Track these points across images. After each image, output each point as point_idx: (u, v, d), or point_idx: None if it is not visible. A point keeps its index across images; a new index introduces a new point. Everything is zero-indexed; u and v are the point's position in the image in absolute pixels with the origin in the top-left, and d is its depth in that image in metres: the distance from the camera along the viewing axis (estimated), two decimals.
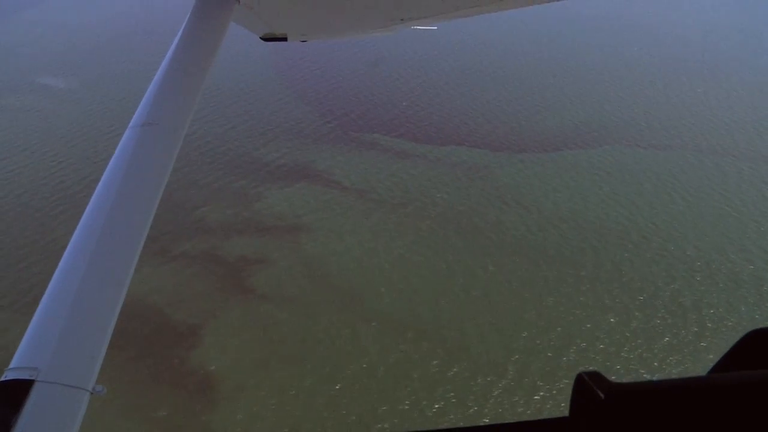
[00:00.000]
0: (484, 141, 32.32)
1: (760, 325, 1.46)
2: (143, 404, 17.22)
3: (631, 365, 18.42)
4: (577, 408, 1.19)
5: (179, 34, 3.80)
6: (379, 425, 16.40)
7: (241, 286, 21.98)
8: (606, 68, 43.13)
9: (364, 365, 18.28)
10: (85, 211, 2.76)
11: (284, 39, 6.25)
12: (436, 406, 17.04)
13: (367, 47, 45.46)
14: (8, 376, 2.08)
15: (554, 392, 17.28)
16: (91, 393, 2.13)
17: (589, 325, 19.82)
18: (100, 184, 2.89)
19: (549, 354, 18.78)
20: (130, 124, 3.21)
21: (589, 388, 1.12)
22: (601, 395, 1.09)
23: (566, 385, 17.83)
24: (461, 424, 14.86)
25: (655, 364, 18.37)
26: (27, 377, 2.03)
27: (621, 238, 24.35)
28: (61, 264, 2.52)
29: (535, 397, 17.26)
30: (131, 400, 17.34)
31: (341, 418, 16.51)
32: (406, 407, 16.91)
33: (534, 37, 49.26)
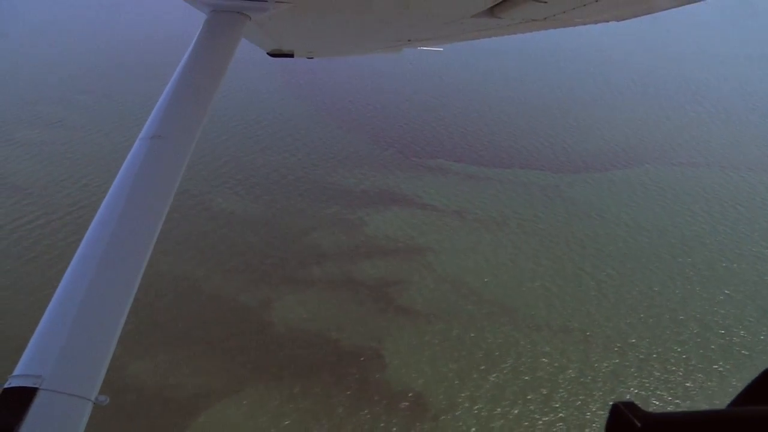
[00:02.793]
0: (544, 163, 34.47)
1: None
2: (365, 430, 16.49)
3: None
4: None
5: (190, 48, 3.74)
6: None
7: (394, 307, 21.72)
8: (628, 95, 47.70)
9: (572, 372, 18.78)
10: (93, 221, 2.73)
11: (291, 55, 6.42)
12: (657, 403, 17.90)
13: (407, 81, 47.01)
14: (12, 383, 2.04)
15: (735, 380, 18.79)
16: (94, 403, 2.10)
17: (736, 315, 21.80)
18: (108, 195, 2.85)
19: (713, 347, 20.38)
20: (140, 136, 3.18)
21: (625, 418, 1.15)
22: (638, 424, 1.13)
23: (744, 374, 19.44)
24: None
25: None
26: (31, 385, 2.01)
27: (718, 242, 26.98)
28: (67, 273, 2.49)
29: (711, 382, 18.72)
30: (350, 429, 16.56)
31: (576, 417, 16.86)
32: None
33: (556, 67, 53.49)
